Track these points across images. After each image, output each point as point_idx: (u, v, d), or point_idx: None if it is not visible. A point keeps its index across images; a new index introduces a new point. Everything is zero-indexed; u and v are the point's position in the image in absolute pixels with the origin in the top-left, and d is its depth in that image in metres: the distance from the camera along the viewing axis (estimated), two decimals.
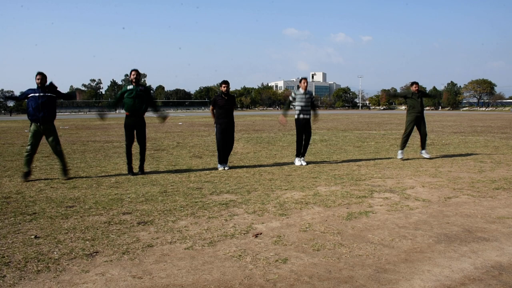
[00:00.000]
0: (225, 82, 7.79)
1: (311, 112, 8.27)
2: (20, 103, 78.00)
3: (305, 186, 6.07)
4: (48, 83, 6.71)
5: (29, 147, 6.67)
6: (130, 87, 7.16)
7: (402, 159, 8.70)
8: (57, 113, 6.89)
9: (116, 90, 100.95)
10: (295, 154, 8.40)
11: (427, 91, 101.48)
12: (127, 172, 7.19)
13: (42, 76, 6.60)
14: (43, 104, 6.52)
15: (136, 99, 7.10)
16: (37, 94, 6.52)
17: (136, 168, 7.32)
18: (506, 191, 5.63)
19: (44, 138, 6.79)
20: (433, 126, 22.29)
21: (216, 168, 7.72)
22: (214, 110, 7.84)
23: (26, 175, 6.61)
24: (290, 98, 8.30)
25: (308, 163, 8.28)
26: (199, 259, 3.29)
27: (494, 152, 10.01)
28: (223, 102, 7.74)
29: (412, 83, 8.97)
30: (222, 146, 7.78)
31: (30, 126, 6.66)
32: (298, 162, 8.18)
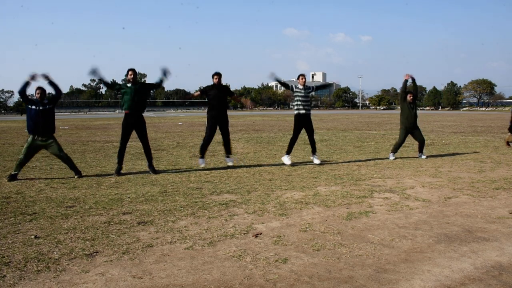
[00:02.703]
0: (217, 74, 7.69)
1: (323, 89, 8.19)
2: (20, 102, 78.09)
3: (305, 186, 6.06)
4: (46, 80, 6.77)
5: (22, 156, 6.72)
6: (128, 84, 7.15)
7: (395, 158, 8.78)
8: (56, 116, 6.97)
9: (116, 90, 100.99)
10: (286, 151, 8.20)
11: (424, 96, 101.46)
12: (114, 172, 7.11)
13: (41, 91, 6.66)
14: (43, 117, 6.60)
15: (135, 97, 7.08)
16: (37, 108, 6.58)
17: (137, 168, 7.31)
18: (506, 191, 5.62)
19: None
20: (433, 126, 22.29)
21: (217, 168, 7.70)
22: (198, 95, 7.88)
23: (13, 177, 6.63)
24: (289, 85, 8.20)
25: (308, 163, 8.28)
26: (199, 259, 3.29)
27: (494, 152, 10.01)
28: (215, 93, 7.61)
29: (407, 93, 8.97)
30: (209, 140, 7.68)
31: (28, 137, 6.73)
32: (287, 160, 8.00)
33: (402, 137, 8.92)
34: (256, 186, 6.03)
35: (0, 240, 3.74)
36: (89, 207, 4.90)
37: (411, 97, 8.88)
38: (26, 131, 6.86)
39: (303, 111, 8.01)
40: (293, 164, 8.05)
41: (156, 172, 7.17)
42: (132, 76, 7.15)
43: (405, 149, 10.50)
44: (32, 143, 6.64)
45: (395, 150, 8.97)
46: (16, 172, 6.68)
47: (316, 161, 8.11)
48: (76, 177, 6.77)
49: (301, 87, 8.07)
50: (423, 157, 8.88)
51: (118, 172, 7.08)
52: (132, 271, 3.06)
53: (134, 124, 7.16)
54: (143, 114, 7.28)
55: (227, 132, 7.83)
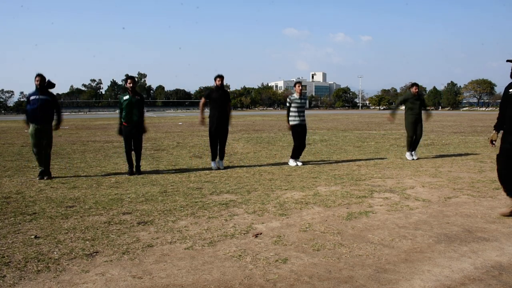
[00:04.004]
0: (219, 76, 7.76)
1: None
2: (20, 101, 78.83)
3: (305, 186, 6.07)
4: (46, 81, 6.85)
5: (34, 149, 6.80)
6: (126, 97, 7.15)
7: (417, 158, 8.71)
8: (54, 114, 6.95)
9: (116, 90, 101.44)
10: (290, 155, 8.25)
11: (424, 96, 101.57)
12: (127, 172, 7.23)
13: (41, 78, 6.75)
14: (41, 106, 6.68)
15: (134, 109, 7.12)
16: (36, 97, 6.70)
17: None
18: None
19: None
20: (433, 126, 22.28)
21: (218, 168, 7.70)
22: (206, 103, 7.80)
23: (42, 174, 6.76)
24: (287, 104, 8.16)
25: (308, 163, 8.27)
26: (199, 259, 3.29)
27: (494, 152, 10.02)
28: (217, 95, 7.70)
29: (412, 85, 8.95)
30: (214, 141, 7.74)
31: (29, 128, 6.78)
32: (293, 163, 8.07)
33: (411, 131, 8.77)
34: (256, 186, 6.03)
35: (0, 240, 3.74)
36: (89, 207, 4.90)
37: (416, 89, 8.84)
38: (26, 131, 6.87)
39: (298, 122, 8.01)
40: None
41: (140, 172, 7.25)
42: (131, 84, 7.18)
43: (405, 149, 10.49)
44: (33, 130, 6.72)
45: (409, 146, 8.80)
46: (42, 169, 6.77)
47: (299, 163, 8.09)
48: (45, 178, 6.74)
49: (297, 96, 8.04)
50: (414, 157, 8.77)
51: (130, 174, 7.16)
52: (132, 271, 3.06)
53: (132, 134, 7.23)
54: (142, 124, 7.31)
55: (225, 136, 7.87)
